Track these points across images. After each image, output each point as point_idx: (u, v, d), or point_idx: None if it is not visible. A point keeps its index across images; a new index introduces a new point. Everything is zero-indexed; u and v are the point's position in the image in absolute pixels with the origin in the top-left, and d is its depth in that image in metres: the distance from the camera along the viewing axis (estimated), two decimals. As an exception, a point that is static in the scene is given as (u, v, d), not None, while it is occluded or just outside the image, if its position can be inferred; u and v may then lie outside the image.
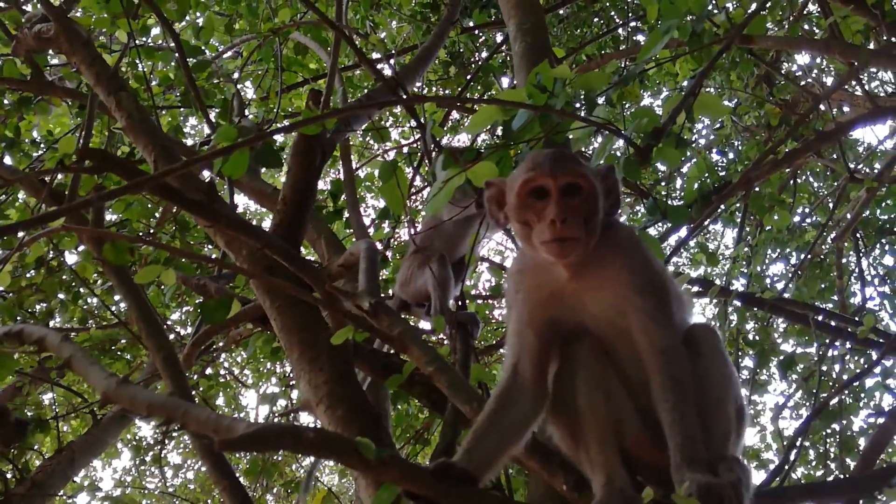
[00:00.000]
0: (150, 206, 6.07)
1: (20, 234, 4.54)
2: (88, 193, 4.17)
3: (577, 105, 2.80)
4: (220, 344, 7.07)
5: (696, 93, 2.93)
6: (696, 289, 4.62)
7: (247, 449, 1.37)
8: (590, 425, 1.88)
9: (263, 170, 7.00)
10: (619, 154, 2.86)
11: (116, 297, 7.07)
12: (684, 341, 1.95)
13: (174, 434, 9.86)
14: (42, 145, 6.69)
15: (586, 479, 1.91)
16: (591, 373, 1.93)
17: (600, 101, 2.80)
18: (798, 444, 3.52)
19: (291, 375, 7.80)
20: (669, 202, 6.33)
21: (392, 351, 3.53)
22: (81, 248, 5.96)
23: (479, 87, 7.28)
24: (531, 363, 1.99)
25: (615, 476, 1.83)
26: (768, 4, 4.29)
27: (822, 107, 6.76)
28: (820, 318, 4.44)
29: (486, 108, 2.61)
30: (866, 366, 4.58)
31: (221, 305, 2.50)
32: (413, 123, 7.42)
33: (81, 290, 6.60)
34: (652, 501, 1.59)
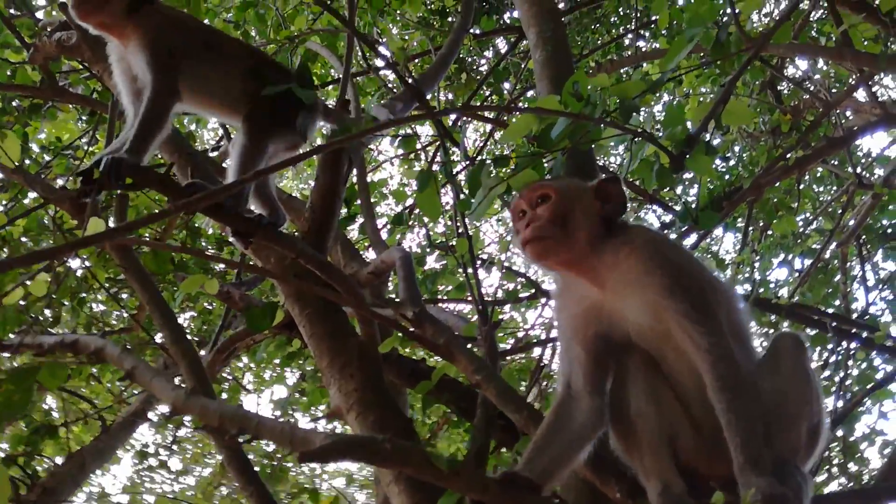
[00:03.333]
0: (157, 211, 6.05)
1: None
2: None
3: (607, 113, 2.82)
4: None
5: (726, 101, 2.96)
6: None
7: (325, 460, 1.38)
8: (643, 434, 1.91)
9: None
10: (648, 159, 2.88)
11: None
12: (768, 352, 1.99)
13: (177, 437, 9.82)
14: (50, 151, 6.65)
15: (640, 486, 1.93)
16: (641, 383, 1.97)
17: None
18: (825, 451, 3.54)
19: (301, 381, 7.77)
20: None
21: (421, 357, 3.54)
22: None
23: (488, 93, 7.30)
24: (583, 377, 2.04)
25: (672, 483, 1.85)
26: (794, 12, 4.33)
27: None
28: (836, 324, 4.46)
29: (523, 116, 2.63)
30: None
31: (266, 313, 2.50)
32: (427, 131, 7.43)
33: (84, 295, 6.57)
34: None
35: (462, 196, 2.93)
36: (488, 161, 2.59)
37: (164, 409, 8.62)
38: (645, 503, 1.85)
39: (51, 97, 5.53)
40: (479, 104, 5.65)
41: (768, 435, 1.80)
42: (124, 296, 7.03)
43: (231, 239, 2.74)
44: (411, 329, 2.46)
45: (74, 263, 6.28)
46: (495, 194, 2.35)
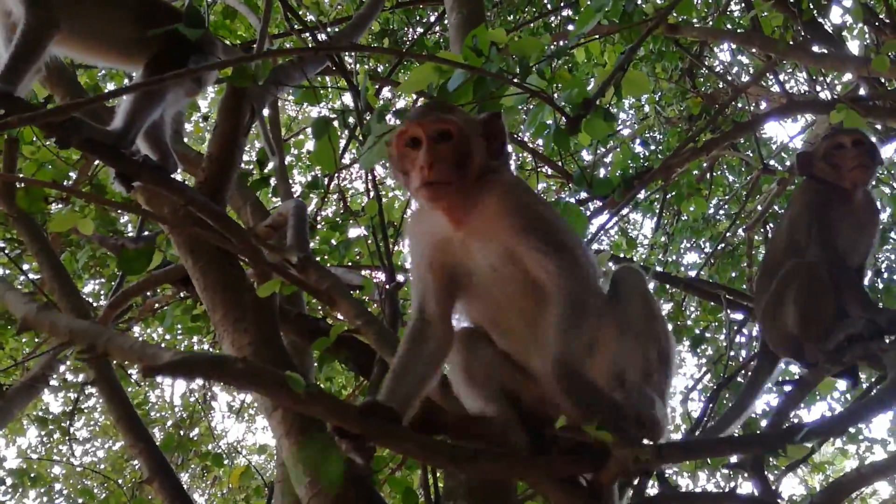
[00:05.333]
0: (63, 166, 5.80)
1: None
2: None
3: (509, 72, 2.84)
4: (137, 313, 6.85)
5: (625, 68, 3.02)
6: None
7: (172, 375, 1.36)
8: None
9: (186, 139, 6.82)
10: (548, 123, 2.92)
11: (25, 267, 6.75)
12: (610, 286, 2.06)
13: (83, 408, 9.52)
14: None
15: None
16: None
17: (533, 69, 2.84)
18: (708, 414, 3.70)
19: (210, 349, 7.63)
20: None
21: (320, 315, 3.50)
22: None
23: (412, 64, 7.24)
24: (435, 304, 2.08)
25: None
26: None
27: (739, 103, 7.07)
28: (731, 297, 4.65)
29: (421, 67, 2.62)
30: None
31: (141, 255, 2.42)
32: (344, 96, 7.34)
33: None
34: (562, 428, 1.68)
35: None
36: (385, 111, 2.57)
37: (69, 375, 8.34)
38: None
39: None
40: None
41: (619, 363, 1.88)
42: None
43: (113, 182, 2.64)
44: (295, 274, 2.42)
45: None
46: (385, 142, 2.33)
